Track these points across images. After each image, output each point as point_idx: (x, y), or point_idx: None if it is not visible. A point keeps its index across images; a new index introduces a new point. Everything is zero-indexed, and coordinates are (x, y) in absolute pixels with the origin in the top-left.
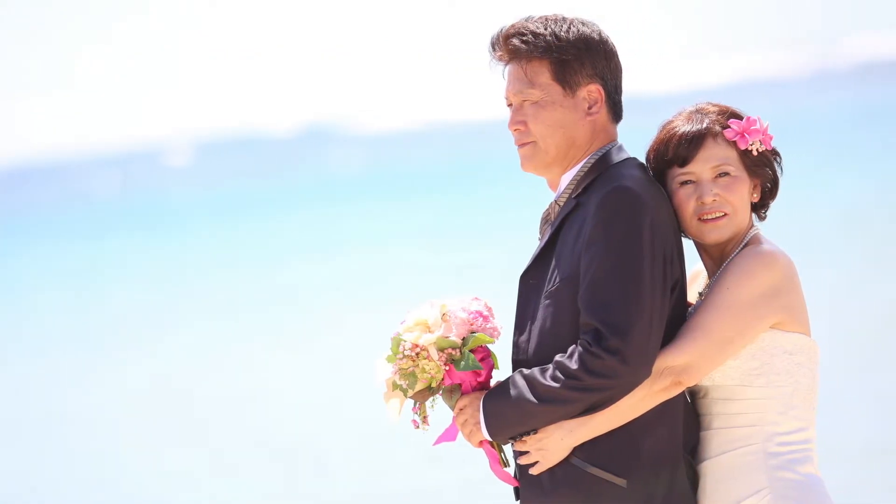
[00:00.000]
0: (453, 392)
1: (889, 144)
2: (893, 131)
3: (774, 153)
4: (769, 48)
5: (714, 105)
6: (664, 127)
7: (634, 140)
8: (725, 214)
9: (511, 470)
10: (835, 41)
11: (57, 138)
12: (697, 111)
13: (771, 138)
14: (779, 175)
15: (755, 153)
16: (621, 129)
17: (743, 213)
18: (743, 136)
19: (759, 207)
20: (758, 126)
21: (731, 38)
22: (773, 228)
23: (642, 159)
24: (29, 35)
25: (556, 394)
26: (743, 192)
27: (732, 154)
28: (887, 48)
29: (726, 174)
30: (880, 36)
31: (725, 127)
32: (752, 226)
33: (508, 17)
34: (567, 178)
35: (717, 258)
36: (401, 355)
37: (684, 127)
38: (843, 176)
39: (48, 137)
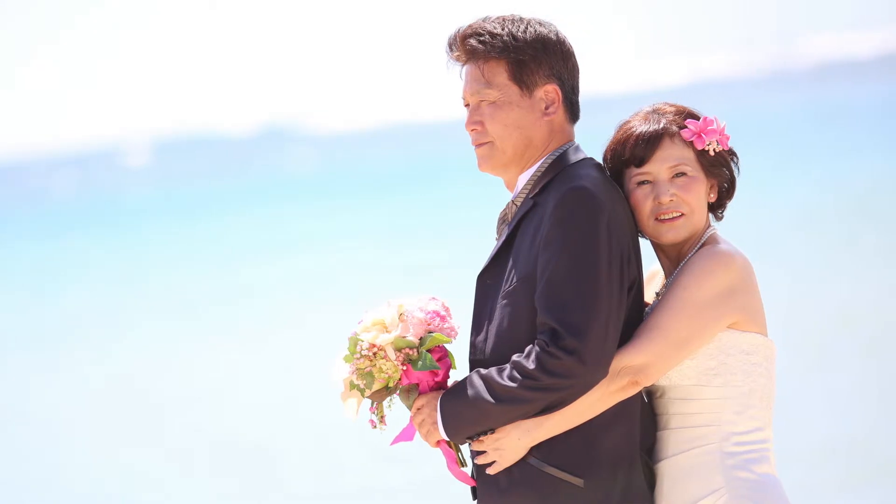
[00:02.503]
0: (410, 392)
1: (845, 145)
2: (849, 132)
3: (731, 153)
4: (725, 48)
5: (671, 105)
6: (621, 127)
7: (591, 140)
8: (682, 214)
9: (468, 470)
10: (791, 42)
11: (13, 138)
12: (654, 111)
13: (728, 138)
14: (736, 175)
15: (712, 153)
16: (578, 129)
17: (700, 213)
18: (700, 136)
19: (716, 207)
20: (715, 126)
21: (687, 38)
22: (729, 228)
23: (599, 159)
24: None
25: (513, 393)
26: (700, 192)
27: (689, 154)
28: (843, 49)
29: (683, 174)
30: (836, 37)
31: (682, 127)
32: (709, 226)
33: (466, 17)
34: (524, 178)
35: (674, 258)
36: (358, 355)
37: (641, 127)
38: (799, 176)
39: (3, 137)
